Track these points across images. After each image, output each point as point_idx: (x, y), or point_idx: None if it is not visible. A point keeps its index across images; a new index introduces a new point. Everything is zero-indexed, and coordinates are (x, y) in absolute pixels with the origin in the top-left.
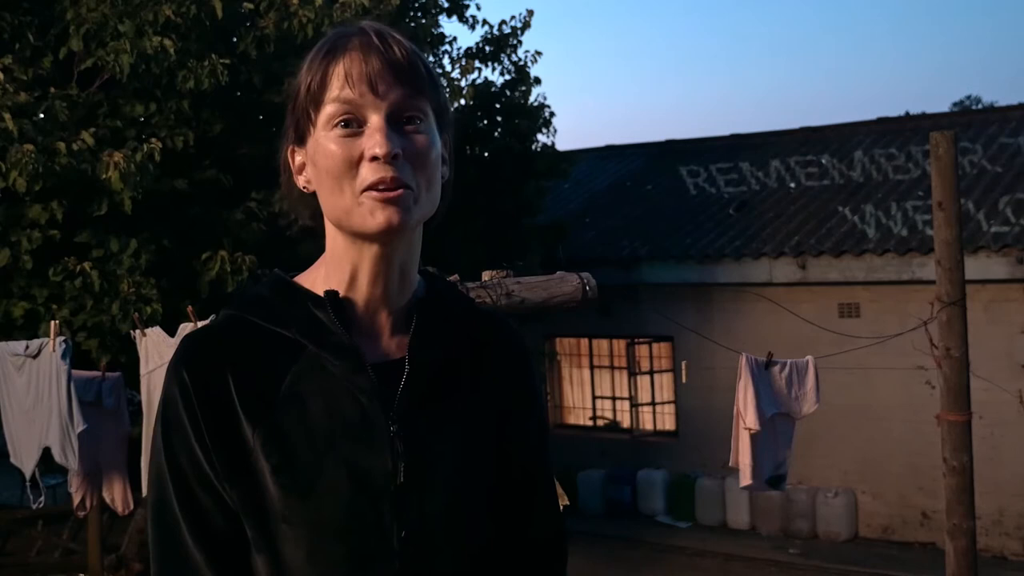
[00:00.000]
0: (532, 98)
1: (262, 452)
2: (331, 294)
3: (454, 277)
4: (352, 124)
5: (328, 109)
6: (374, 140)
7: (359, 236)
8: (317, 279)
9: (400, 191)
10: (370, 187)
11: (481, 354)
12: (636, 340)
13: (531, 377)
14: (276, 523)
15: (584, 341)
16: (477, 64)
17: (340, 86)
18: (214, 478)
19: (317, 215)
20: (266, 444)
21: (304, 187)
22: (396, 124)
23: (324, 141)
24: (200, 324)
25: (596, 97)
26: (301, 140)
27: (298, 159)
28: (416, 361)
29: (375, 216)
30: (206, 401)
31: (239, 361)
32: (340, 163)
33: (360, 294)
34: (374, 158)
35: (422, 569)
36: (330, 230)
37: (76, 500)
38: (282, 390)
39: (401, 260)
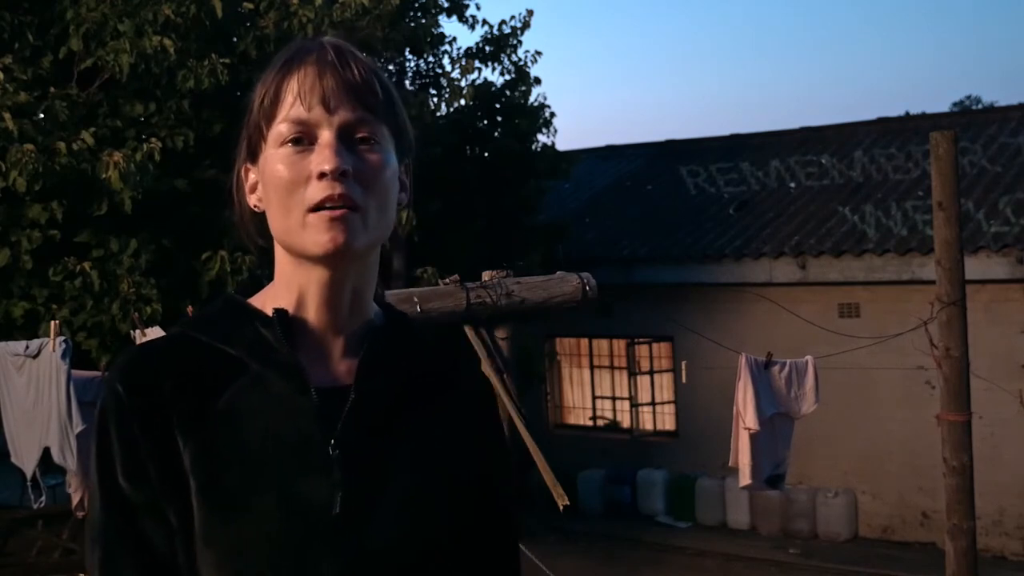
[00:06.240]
0: (532, 98)
1: (190, 469)
2: (280, 312)
3: (454, 277)
4: (303, 141)
5: (279, 127)
6: (322, 156)
7: (305, 258)
8: (267, 301)
9: (346, 211)
10: (317, 206)
11: (439, 391)
12: (636, 340)
13: (493, 416)
14: (199, 545)
15: (584, 341)
16: (477, 64)
17: (292, 102)
18: (152, 495)
19: (268, 236)
20: (195, 461)
21: (255, 207)
22: (348, 143)
23: (272, 159)
24: None
25: (596, 97)
26: (254, 157)
27: (251, 178)
28: (364, 387)
29: (320, 238)
30: (141, 415)
31: (177, 376)
32: (287, 181)
33: (309, 317)
34: (322, 175)
35: None
36: (279, 252)
37: (75, 500)
38: (218, 406)
39: (353, 285)
